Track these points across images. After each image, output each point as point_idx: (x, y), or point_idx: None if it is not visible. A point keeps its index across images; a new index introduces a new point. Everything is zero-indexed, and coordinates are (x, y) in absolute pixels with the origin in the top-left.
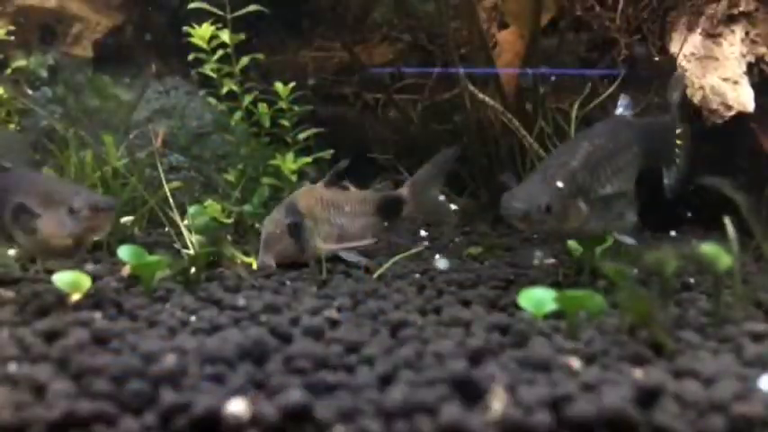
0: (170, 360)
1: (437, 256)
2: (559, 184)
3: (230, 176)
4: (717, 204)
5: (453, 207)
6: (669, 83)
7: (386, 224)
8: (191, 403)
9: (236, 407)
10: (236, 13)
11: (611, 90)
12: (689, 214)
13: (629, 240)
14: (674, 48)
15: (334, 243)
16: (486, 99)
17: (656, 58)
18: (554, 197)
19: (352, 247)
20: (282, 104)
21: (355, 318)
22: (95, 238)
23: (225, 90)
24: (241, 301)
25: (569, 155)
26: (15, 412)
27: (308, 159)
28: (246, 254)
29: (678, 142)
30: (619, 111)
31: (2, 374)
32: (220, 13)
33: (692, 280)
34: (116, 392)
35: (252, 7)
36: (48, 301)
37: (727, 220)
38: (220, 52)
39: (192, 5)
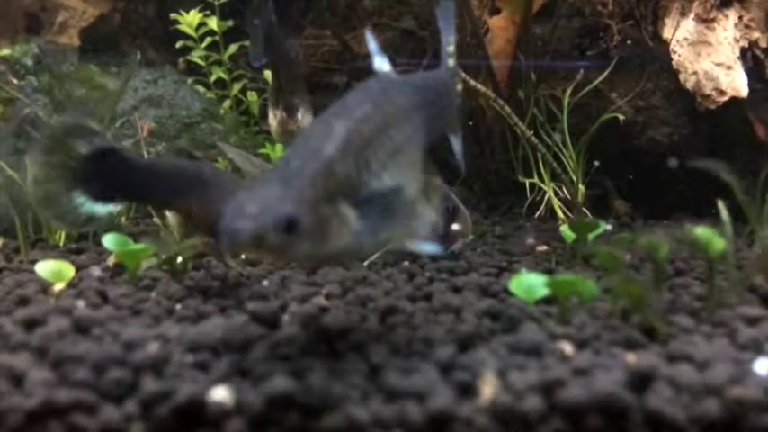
0: (152, 348)
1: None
2: (308, 185)
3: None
4: (710, 189)
5: None
6: (437, 11)
7: None
8: (173, 391)
9: (220, 394)
10: None
11: (604, 75)
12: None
13: (430, 249)
14: (666, 33)
15: None
16: (478, 86)
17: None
18: (301, 205)
19: None
20: None
21: (344, 305)
22: None
23: (213, 78)
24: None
25: (323, 136)
26: None
27: None
28: None
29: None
30: (379, 67)
31: None
32: None
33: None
34: (96, 380)
35: None
36: (30, 290)
37: (720, 204)
38: (208, 40)
39: None
